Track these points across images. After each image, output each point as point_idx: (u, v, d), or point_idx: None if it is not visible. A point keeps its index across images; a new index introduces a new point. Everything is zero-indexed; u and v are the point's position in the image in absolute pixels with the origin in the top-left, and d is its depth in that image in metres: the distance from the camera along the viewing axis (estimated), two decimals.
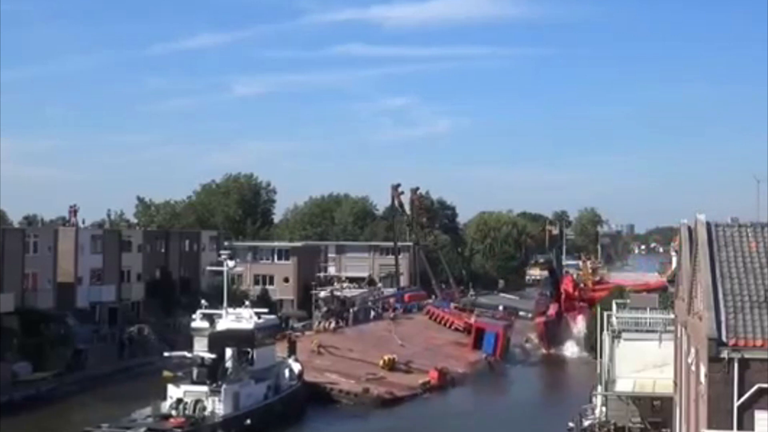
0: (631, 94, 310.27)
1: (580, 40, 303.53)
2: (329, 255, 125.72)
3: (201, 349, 52.85)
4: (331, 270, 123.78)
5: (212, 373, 50.69)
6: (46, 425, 54.71)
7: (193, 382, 50.57)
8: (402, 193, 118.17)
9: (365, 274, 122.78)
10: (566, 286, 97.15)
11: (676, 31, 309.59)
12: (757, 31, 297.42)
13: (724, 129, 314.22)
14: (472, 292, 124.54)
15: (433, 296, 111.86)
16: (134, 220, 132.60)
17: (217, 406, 49.30)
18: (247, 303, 61.37)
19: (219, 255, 64.64)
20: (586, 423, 46.03)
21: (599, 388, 46.19)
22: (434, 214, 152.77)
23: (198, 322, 55.51)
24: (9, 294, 65.14)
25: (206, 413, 49.02)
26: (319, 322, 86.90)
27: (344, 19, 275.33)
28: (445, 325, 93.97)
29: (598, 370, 47.86)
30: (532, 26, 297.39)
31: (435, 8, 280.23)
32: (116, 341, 74.25)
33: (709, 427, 24.97)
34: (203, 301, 58.22)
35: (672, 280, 41.18)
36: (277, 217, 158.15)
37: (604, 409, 44.70)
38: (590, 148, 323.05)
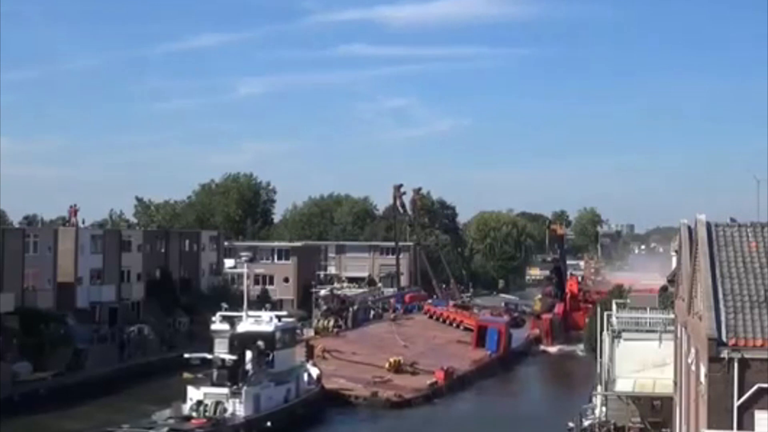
0: (631, 94, 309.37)
1: (581, 40, 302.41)
2: (329, 255, 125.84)
3: (221, 351, 52.29)
4: (331, 270, 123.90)
5: (233, 375, 50.41)
6: (46, 425, 54.64)
7: (214, 384, 50.25)
8: (404, 193, 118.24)
9: (365, 274, 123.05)
10: (571, 287, 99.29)
11: (676, 31, 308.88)
12: (757, 30, 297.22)
13: (725, 129, 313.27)
14: (469, 294, 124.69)
15: (434, 296, 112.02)
16: (134, 221, 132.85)
17: (237, 408, 49.01)
18: (267, 305, 61.34)
19: (240, 257, 64.60)
20: (586, 423, 46.01)
21: (599, 388, 46.18)
22: (435, 214, 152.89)
23: (218, 324, 54.82)
24: (9, 294, 65.10)
25: (227, 415, 48.71)
26: (318, 321, 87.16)
27: (348, 19, 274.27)
28: (445, 322, 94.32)
29: (598, 370, 47.85)
30: (532, 26, 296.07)
31: (437, 8, 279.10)
32: (116, 341, 74.15)
33: (709, 427, 24.92)
34: (224, 304, 57.43)
35: (672, 280, 41.04)
36: (277, 217, 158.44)
37: (604, 409, 44.67)
38: (590, 148, 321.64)
